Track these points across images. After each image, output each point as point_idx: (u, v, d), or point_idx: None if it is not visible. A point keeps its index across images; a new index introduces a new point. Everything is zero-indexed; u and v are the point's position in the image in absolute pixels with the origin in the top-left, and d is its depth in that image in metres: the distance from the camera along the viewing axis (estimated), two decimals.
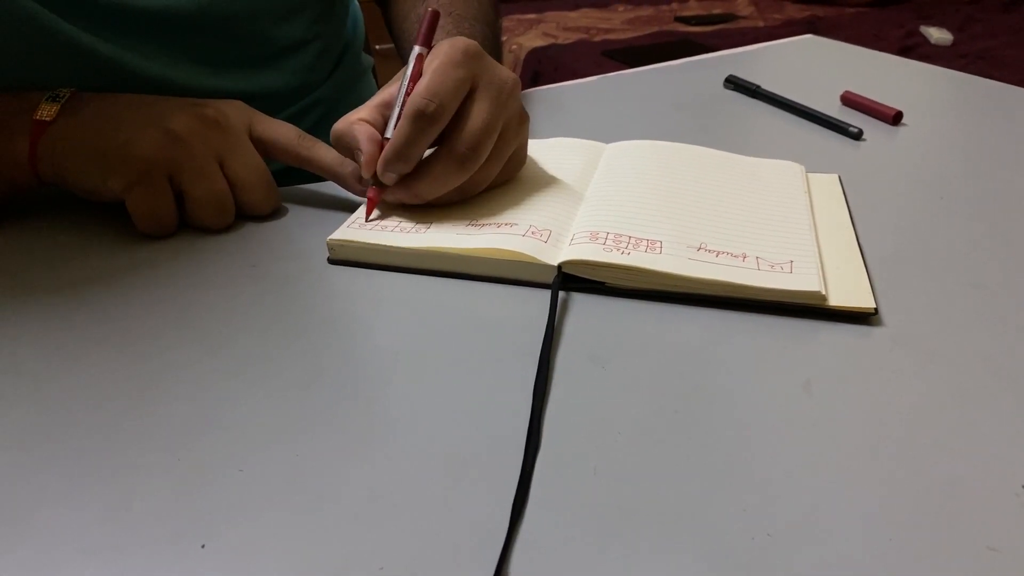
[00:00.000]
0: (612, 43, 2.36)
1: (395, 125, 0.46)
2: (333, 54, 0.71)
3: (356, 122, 0.47)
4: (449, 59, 0.45)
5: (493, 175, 0.49)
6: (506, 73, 0.48)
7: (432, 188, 0.47)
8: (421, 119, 0.44)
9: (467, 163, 0.46)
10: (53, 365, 0.38)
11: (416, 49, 0.48)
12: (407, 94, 0.46)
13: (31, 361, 0.38)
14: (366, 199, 0.49)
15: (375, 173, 0.47)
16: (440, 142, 0.46)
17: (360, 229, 0.47)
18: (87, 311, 0.42)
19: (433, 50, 0.47)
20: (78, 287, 0.44)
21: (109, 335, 0.40)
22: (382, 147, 0.46)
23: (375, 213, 0.49)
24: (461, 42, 0.46)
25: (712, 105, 0.76)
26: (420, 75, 0.46)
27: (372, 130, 0.47)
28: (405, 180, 0.47)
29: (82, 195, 0.50)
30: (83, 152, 0.47)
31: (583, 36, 2.44)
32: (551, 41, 2.37)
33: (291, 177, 0.56)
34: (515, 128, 0.48)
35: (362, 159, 0.47)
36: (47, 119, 0.48)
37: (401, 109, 0.46)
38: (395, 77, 0.50)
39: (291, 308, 0.42)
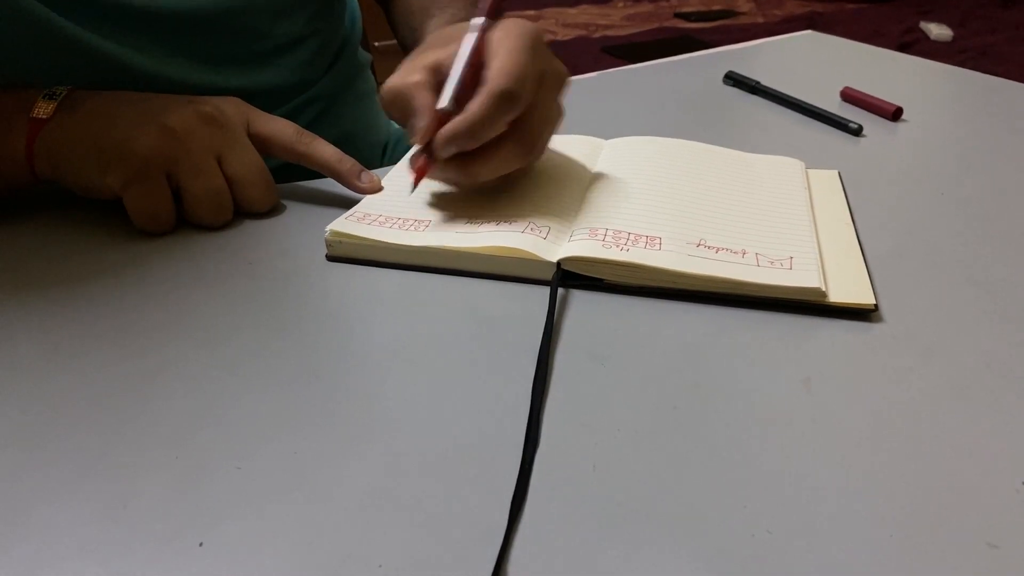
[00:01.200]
0: (611, 39, 2.36)
1: (452, 94, 0.44)
2: (331, 50, 0.71)
3: (416, 84, 0.45)
4: (527, 43, 0.44)
5: (533, 165, 0.49)
6: (562, 65, 0.47)
7: (492, 171, 0.45)
8: (508, 100, 0.42)
9: (533, 150, 0.45)
10: (50, 362, 0.38)
11: (480, 20, 0.46)
12: (471, 65, 0.44)
13: (28, 358, 0.38)
14: (412, 166, 0.45)
15: (426, 143, 0.44)
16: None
17: (358, 223, 0.47)
18: (84, 308, 0.42)
19: (501, 26, 0.45)
20: (75, 284, 0.44)
21: (106, 332, 0.40)
22: (438, 120, 0.44)
23: (417, 187, 0.46)
24: (531, 26, 0.45)
25: (711, 101, 0.75)
26: (482, 49, 0.44)
27: (432, 98, 0.44)
28: (461, 160, 0.45)
29: (79, 192, 0.49)
30: (80, 149, 0.47)
31: (582, 32, 2.44)
32: (551, 38, 2.37)
33: (289, 174, 0.56)
34: (557, 123, 0.48)
35: (421, 125, 0.44)
36: (44, 117, 0.48)
37: (460, 80, 0.44)
38: (433, 40, 0.48)
39: (289, 305, 0.42)
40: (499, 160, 0.45)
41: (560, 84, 0.47)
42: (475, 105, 0.43)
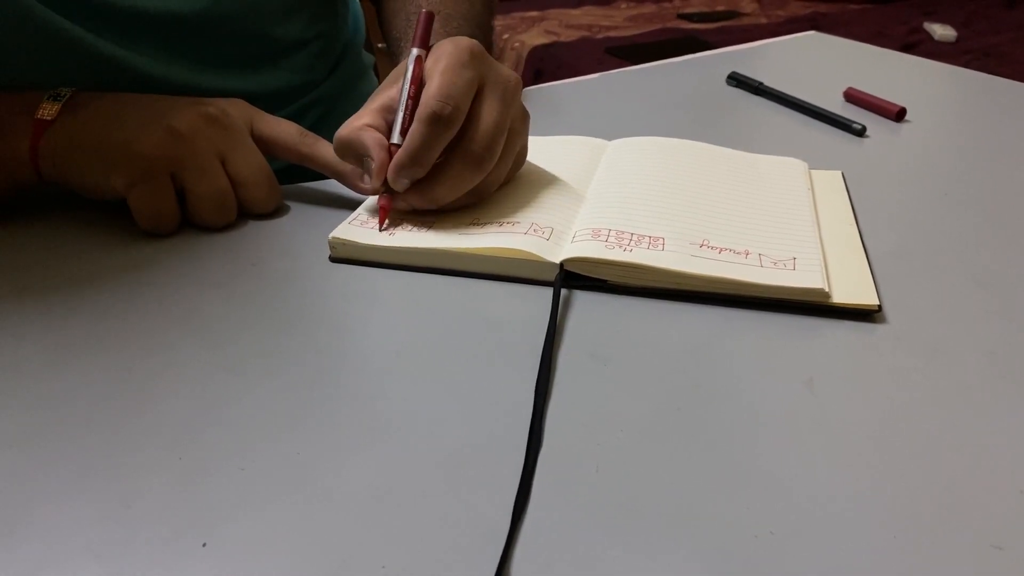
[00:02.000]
0: (614, 40, 2.36)
1: (400, 129, 0.46)
2: (334, 53, 0.71)
3: (362, 128, 0.46)
4: (456, 60, 0.44)
5: (504, 174, 0.49)
6: (508, 71, 0.47)
7: (450, 191, 0.46)
8: (438, 122, 0.43)
9: (483, 163, 0.45)
10: (54, 362, 0.38)
11: (414, 51, 0.47)
12: (410, 97, 0.46)
13: (32, 358, 0.38)
14: (377, 204, 0.47)
15: (385, 180, 0.46)
16: (450, 146, 0.45)
17: (361, 227, 0.47)
18: (88, 309, 0.42)
19: (435, 50, 0.46)
20: (79, 285, 0.44)
21: (110, 333, 0.40)
22: (390, 152, 0.46)
23: (387, 222, 0.47)
24: (465, 42, 0.46)
25: (715, 102, 0.75)
26: (420, 77, 0.46)
27: (380, 136, 0.46)
28: (419, 185, 0.46)
29: (84, 193, 0.50)
30: (85, 150, 0.47)
31: (585, 34, 2.44)
32: (553, 39, 2.37)
33: (292, 175, 0.56)
34: (519, 126, 0.48)
35: (373, 166, 0.46)
36: (48, 118, 0.48)
37: (405, 113, 0.46)
38: (388, 80, 0.49)
39: (292, 306, 0.42)
40: (452, 179, 0.46)
41: (504, 90, 0.46)
42: (410, 133, 0.44)
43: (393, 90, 0.48)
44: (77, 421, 0.34)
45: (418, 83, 0.46)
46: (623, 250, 0.43)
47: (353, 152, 0.47)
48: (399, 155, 0.45)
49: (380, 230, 0.47)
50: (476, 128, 0.45)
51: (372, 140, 0.46)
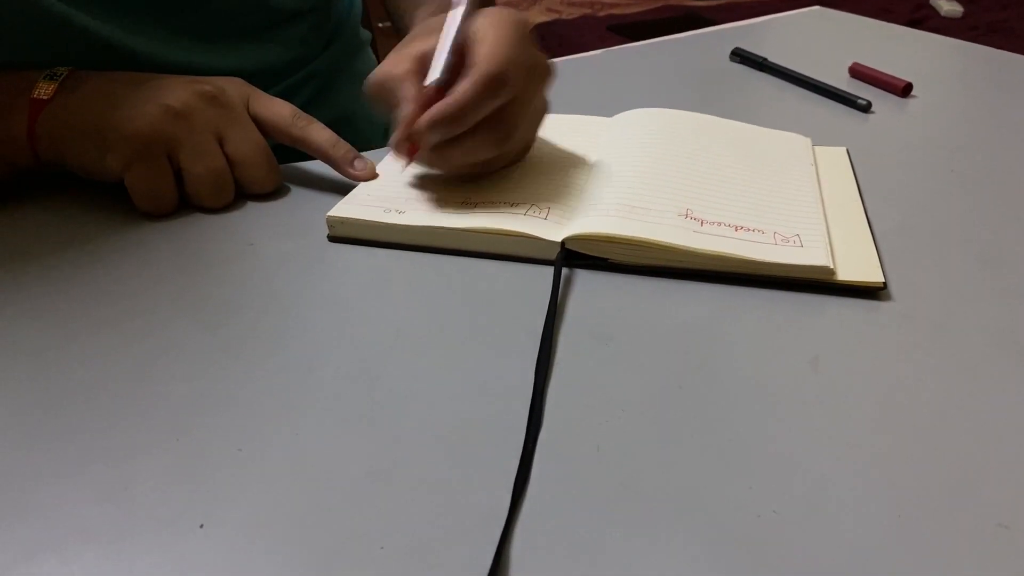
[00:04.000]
0: (617, 17, 2.34)
1: (443, 68, 0.43)
2: (328, 26, 0.70)
3: (400, 74, 0.44)
4: (517, 33, 0.43)
5: (513, 155, 0.48)
6: (547, 60, 0.47)
7: (466, 156, 0.45)
8: (498, 84, 0.42)
9: (507, 139, 0.45)
10: (52, 345, 0.37)
11: (462, 4, 0.45)
12: (458, 48, 0.44)
13: (30, 340, 0.38)
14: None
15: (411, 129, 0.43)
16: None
17: (359, 206, 0.46)
18: (85, 291, 0.41)
19: (486, 14, 0.45)
20: (76, 267, 0.44)
21: (108, 315, 0.40)
22: (422, 104, 0.43)
23: (409, 162, 0.46)
24: (520, 16, 0.45)
25: (718, 78, 0.75)
26: (465, 34, 0.44)
27: (418, 87, 0.44)
28: (438, 144, 0.44)
29: (81, 174, 0.49)
30: (81, 130, 0.47)
31: (587, 11, 2.42)
32: (555, 16, 2.35)
33: (289, 155, 0.56)
34: (541, 114, 0.48)
35: (403, 114, 0.43)
36: (45, 97, 0.47)
37: (448, 59, 0.43)
38: (420, 32, 0.47)
39: (291, 286, 0.42)
40: (472, 145, 0.44)
41: (545, 78, 0.46)
42: (464, 87, 0.42)
43: (429, 41, 0.45)
44: (75, 403, 0.34)
45: (463, 39, 0.44)
46: (625, 225, 0.42)
47: (386, 97, 0.45)
48: (443, 106, 0.42)
49: (403, 170, 0.46)
50: (515, 105, 0.44)
51: (410, 91, 0.44)
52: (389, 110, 0.46)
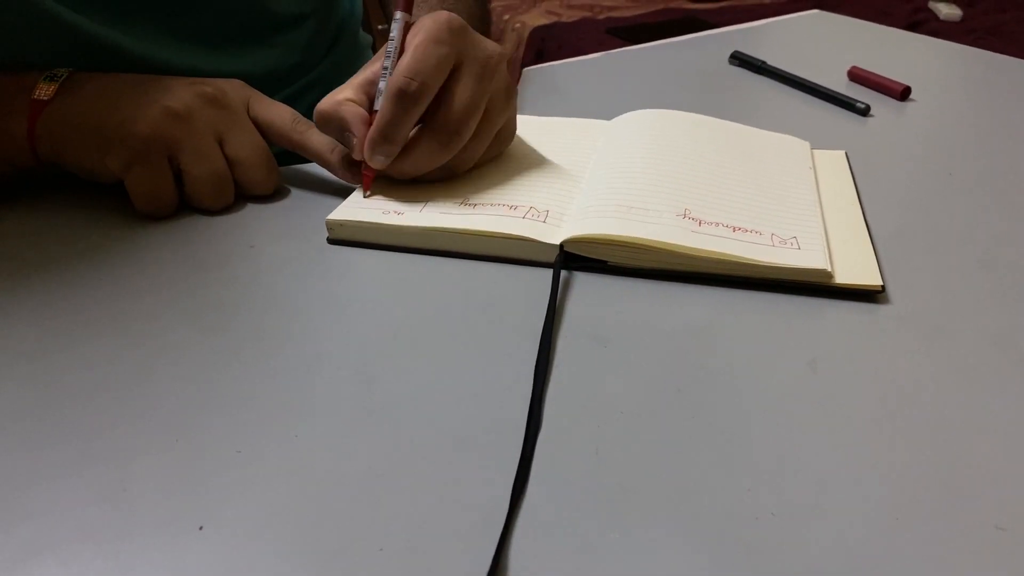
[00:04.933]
0: (616, 21, 2.34)
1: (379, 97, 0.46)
2: (330, 31, 0.70)
3: (343, 102, 0.46)
4: (431, 35, 0.44)
5: (480, 152, 0.48)
6: (491, 47, 0.47)
7: (415, 166, 0.46)
8: (404, 98, 0.43)
9: (451, 142, 0.45)
10: (51, 345, 0.37)
11: (397, 16, 0.47)
12: (393, 62, 0.46)
13: (29, 342, 0.38)
14: (360, 181, 0.48)
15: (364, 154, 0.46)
16: (421, 121, 0.46)
17: (359, 208, 0.46)
18: (85, 292, 0.42)
19: (415, 25, 0.46)
20: (76, 268, 0.44)
21: (107, 317, 0.40)
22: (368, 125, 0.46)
23: (369, 191, 0.48)
24: (444, 16, 0.45)
25: (717, 81, 0.75)
26: (404, 50, 0.46)
27: (361, 110, 0.46)
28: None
29: (81, 175, 0.49)
30: (81, 131, 0.47)
31: (587, 14, 2.42)
32: (555, 19, 2.35)
33: (289, 157, 0.56)
34: (502, 103, 0.48)
35: (354, 141, 0.46)
36: (45, 98, 0.47)
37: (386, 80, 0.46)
38: (378, 54, 0.49)
39: (290, 288, 0.42)
40: (420, 154, 0.46)
41: (484, 66, 0.46)
42: (379, 110, 0.45)
43: (377, 64, 0.48)
44: (74, 404, 0.34)
45: (401, 55, 0.46)
46: (623, 226, 0.42)
47: (334, 126, 0.47)
48: (370, 132, 0.45)
49: (364, 196, 0.47)
50: (447, 105, 0.45)
51: (352, 114, 0.46)
52: (338, 137, 0.48)
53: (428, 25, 0.45)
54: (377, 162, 0.46)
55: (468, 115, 0.45)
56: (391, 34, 0.47)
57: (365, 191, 0.48)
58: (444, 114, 0.45)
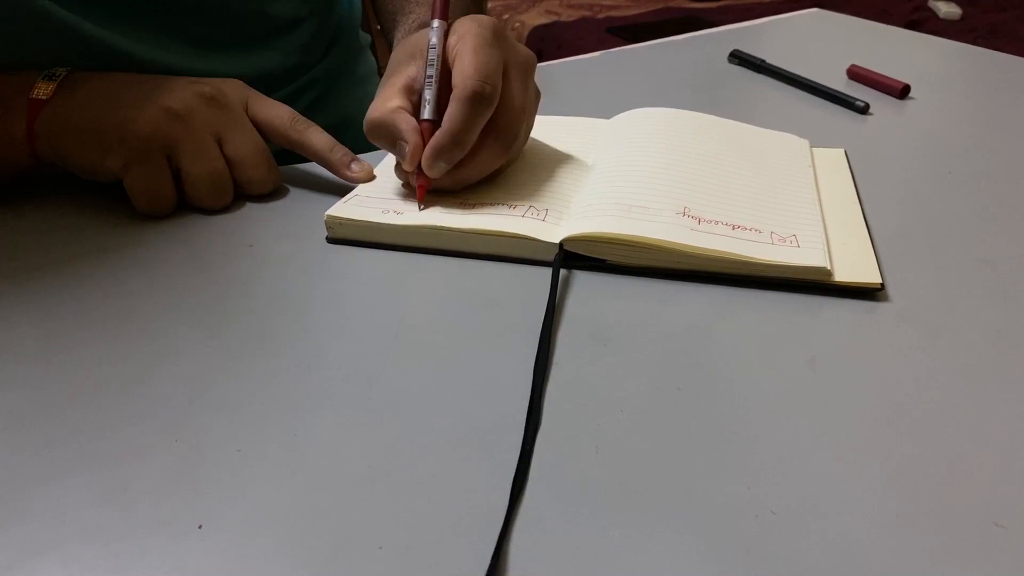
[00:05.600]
0: (616, 20, 2.34)
1: (432, 111, 0.45)
2: (329, 31, 0.70)
3: (395, 110, 0.45)
4: (484, 39, 0.44)
5: (519, 153, 0.49)
6: (526, 50, 0.47)
7: (477, 171, 0.46)
8: (480, 102, 0.43)
9: (512, 144, 0.46)
10: (50, 345, 0.37)
11: (436, 24, 0.46)
12: (441, 75, 0.45)
13: (28, 341, 0.38)
14: (415, 184, 0.46)
15: (418, 165, 0.45)
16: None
17: (359, 207, 0.46)
18: (84, 292, 0.42)
19: (456, 28, 0.46)
20: (75, 268, 0.44)
21: (106, 316, 0.40)
22: (422, 134, 0.45)
23: (423, 204, 0.46)
24: (487, 20, 0.46)
25: (716, 80, 0.75)
26: (445, 52, 0.45)
27: (413, 119, 0.45)
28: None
29: (80, 174, 0.49)
30: (80, 130, 0.47)
31: (586, 13, 2.42)
32: (554, 18, 2.35)
33: (288, 157, 0.56)
34: (533, 106, 0.48)
35: (407, 150, 0.44)
36: (43, 97, 0.47)
37: (435, 93, 0.45)
38: (400, 57, 0.49)
39: (290, 287, 0.42)
40: (483, 160, 0.46)
41: (526, 70, 0.46)
42: (450, 114, 0.43)
43: (412, 68, 0.47)
44: (73, 404, 0.34)
45: (443, 59, 0.45)
46: (622, 224, 0.42)
47: (386, 135, 0.46)
48: (439, 138, 0.44)
49: (419, 209, 0.46)
50: (506, 108, 0.45)
51: (406, 123, 0.45)
52: (389, 146, 0.47)
53: (476, 30, 0.45)
54: (438, 169, 0.44)
55: (522, 116, 0.45)
56: (431, 40, 0.46)
57: (420, 201, 0.46)
58: (505, 117, 0.44)
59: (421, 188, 0.46)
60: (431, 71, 0.45)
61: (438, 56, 0.45)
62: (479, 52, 0.43)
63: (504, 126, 0.45)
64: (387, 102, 0.46)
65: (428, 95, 0.45)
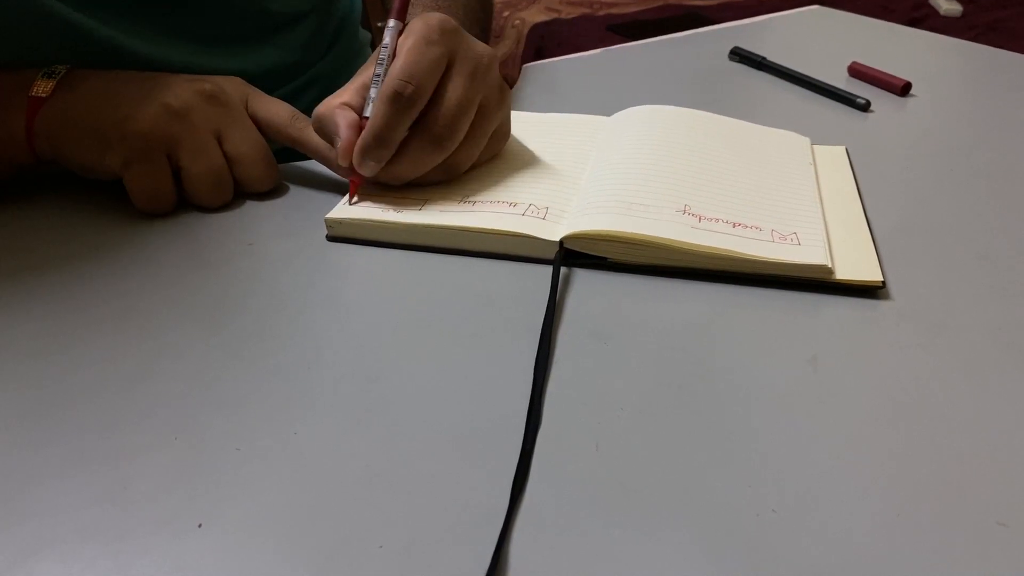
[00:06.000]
0: (616, 17, 2.34)
1: (370, 103, 0.45)
2: (329, 29, 0.70)
3: (338, 106, 0.46)
4: (423, 37, 0.44)
5: (476, 153, 0.48)
6: (482, 48, 0.47)
7: (410, 169, 0.46)
8: (398, 101, 0.43)
9: (444, 143, 0.45)
10: (50, 344, 0.37)
11: (391, 24, 0.47)
12: (387, 67, 0.45)
13: (28, 340, 0.38)
14: (348, 180, 0.47)
15: (351, 160, 0.45)
16: (417, 122, 0.45)
17: (359, 206, 0.46)
18: (84, 290, 0.41)
19: (407, 28, 0.46)
20: (75, 266, 0.44)
21: (106, 314, 0.39)
22: (360, 131, 0.45)
23: (356, 198, 0.47)
24: (435, 18, 0.45)
25: (717, 77, 0.74)
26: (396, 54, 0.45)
27: (353, 115, 0.46)
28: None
29: (79, 172, 0.49)
30: (80, 128, 0.47)
31: (586, 10, 2.41)
32: (554, 16, 2.34)
33: (288, 155, 0.56)
34: (495, 103, 0.47)
35: (339, 145, 0.45)
36: (43, 95, 0.47)
37: (378, 85, 0.45)
38: (372, 58, 0.49)
39: (290, 286, 0.42)
40: (412, 157, 0.45)
41: (476, 66, 0.45)
42: (372, 113, 0.44)
43: (371, 69, 0.47)
44: (73, 403, 0.34)
45: (393, 59, 0.45)
46: (622, 222, 0.42)
47: (326, 130, 0.46)
48: (363, 135, 0.44)
49: (349, 204, 0.47)
50: (439, 107, 0.44)
51: (344, 119, 0.45)
52: (330, 141, 0.47)
53: (419, 27, 0.45)
54: (368, 167, 0.45)
55: (460, 113, 0.45)
56: (384, 40, 0.46)
57: (351, 198, 0.47)
58: (436, 113, 0.44)
59: (353, 184, 0.47)
60: (379, 70, 0.46)
61: (388, 56, 0.46)
62: (412, 51, 0.43)
63: (434, 123, 0.44)
64: (336, 98, 0.47)
65: (373, 93, 0.46)
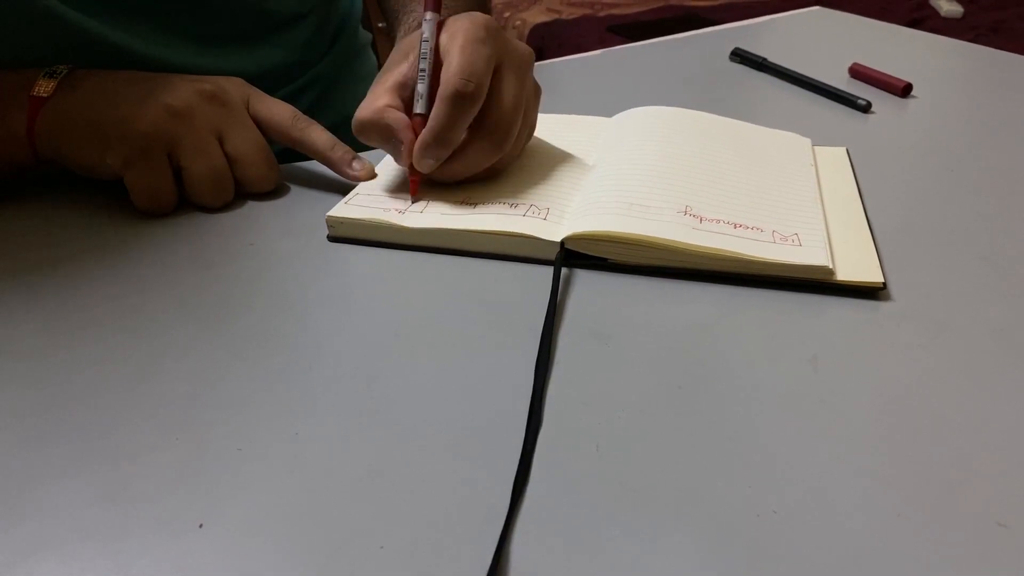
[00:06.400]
0: (617, 18, 2.34)
1: (425, 105, 0.45)
2: (331, 29, 0.70)
3: (384, 108, 0.46)
4: (474, 36, 0.44)
5: (520, 150, 0.49)
6: (523, 46, 0.47)
7: (466, 167, 0.46)
8: (462, 100, 0.43)
9: (504, 141, 0.45)
10: (51, 344, 0.37)
11: (429, 17, 0.46)
12: (433, 69, 0.45)
13: (29, 340, 0.38)
14: (408, 178, 0.47)
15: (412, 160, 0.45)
16: (474, 122, 0.45)
17: (360, 206, 0.46)
18: (85, 290, 0.41)
19: (449, 26, 0.46)
20: (75, 266, 0.44)
21: (107, 314, 0.40)
22: (414, 129, 0.45)
23: (416, 197, 0.47)
24: (480, 17, 0.45)
25: (718, 78, 0.75)
26: (437, 47, 0.45)
27: (403, 116, 0.46)
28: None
29: (80, 172, 0.49)
30: (81, 128, 0.47)
31: (587, 11, 2.42)
32: (555, 16, 2.35)
33: (289, 155, 0.56)
34: (533, 102, 0.48)
35: (402, 148, 0.45)
36: (44, 95, 0.47)
37: (428, 87, 0.45)
38: (395, 56, 0.49)
39: (291, 286, 0.42)
40: (473, 156, 0.46)
41: (521, 66, 0.46)
42: (433, 113, 0.44)
43: (404, 66, 0.47)
44: (74, 402, 0.34)
45: (436, 52, 0.45)
46: (623, 223, 0.42)
47: (377, 133, 0.46)
48: (424, 135, 0.44)
49: (412, 203, 0.46)
50: (496, 105, 0.44)
51: (397, 120, 0.45)
52: (381, 145, 0.47)
53: (467, 26, 0.44)
54: (426, 165, 0.45)
55: (516, 114, 0.45)
56: (423, 35, 0.46)
57: (412, 195, 0.47)
58: (495, 114, 0.44)
59: (414, 182, 0.47)
60: (423, 64, 0.45)
61: (431, 50, 0.45)
62: (466, 50, 0.43)
63: (493, 123, 0.45)
64: (376, 100, 0.46)
65: (421, 89, 0.45)
